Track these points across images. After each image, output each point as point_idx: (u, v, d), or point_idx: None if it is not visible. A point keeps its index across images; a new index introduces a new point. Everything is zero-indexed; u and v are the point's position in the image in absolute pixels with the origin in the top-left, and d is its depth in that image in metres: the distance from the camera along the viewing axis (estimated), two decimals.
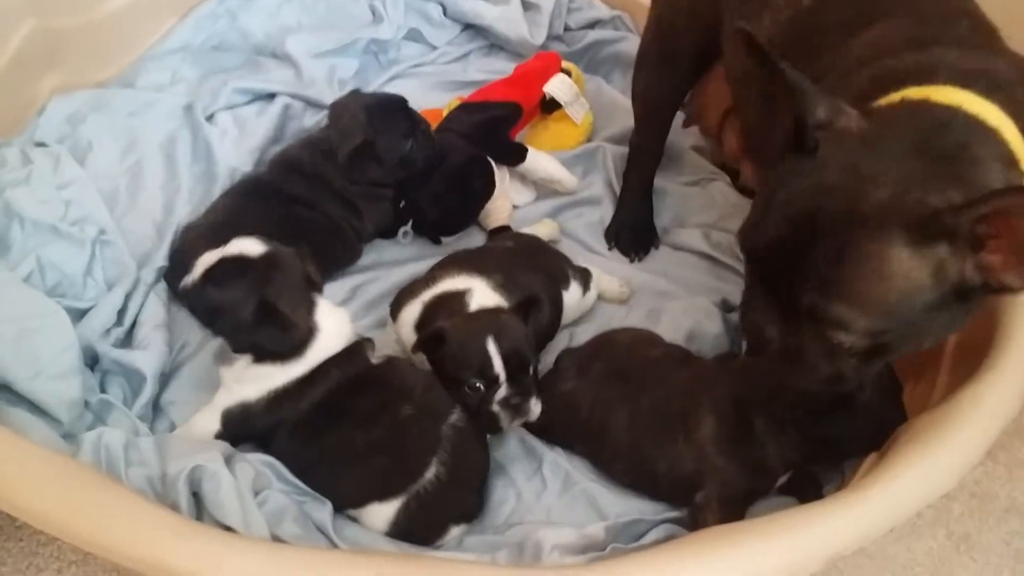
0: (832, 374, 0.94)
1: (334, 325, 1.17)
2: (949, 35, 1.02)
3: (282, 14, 1.81)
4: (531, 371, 1.19)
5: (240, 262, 1.13)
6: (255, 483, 1.10)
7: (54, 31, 1.61)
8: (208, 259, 1.14)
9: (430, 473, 1.12)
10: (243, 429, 1.16)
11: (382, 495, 1.12)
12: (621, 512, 1.17)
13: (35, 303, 1.21)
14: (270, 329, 1.12)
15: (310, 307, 1.16)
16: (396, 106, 1.44)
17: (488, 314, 1.20)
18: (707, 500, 1.11)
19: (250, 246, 1.15)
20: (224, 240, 1.17)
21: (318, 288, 1.19)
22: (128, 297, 1.34)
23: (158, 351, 1.28)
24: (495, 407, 1.16)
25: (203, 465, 1.04)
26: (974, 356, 1.12)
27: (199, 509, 1.05)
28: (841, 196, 0.87)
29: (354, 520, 1.16)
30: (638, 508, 1.18)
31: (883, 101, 0.95)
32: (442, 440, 1.14)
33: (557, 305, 1.34)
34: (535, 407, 1.18)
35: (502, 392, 1.16)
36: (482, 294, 1.24)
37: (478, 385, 1.15)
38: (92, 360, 1.27)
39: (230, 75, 1.72)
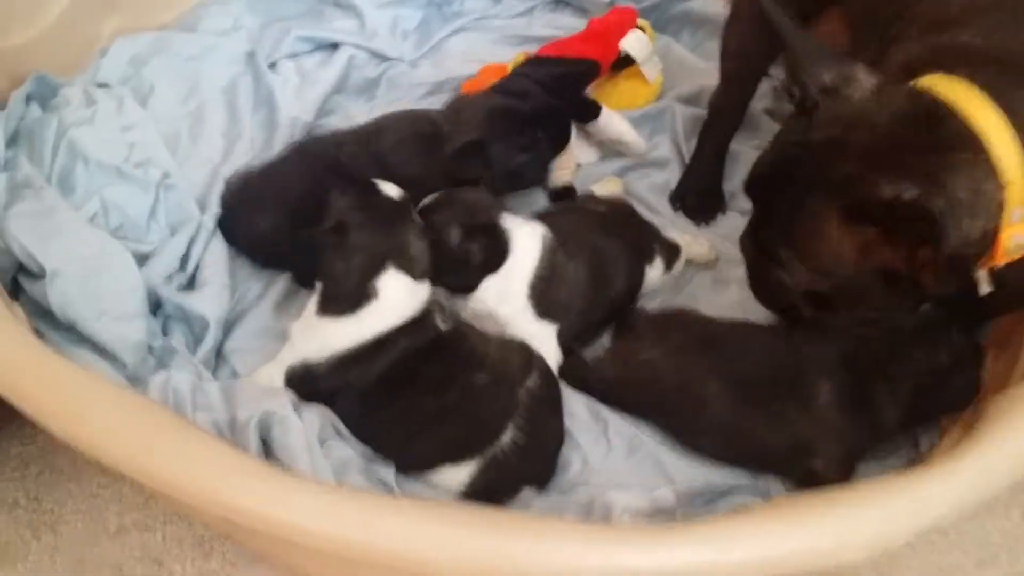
0: (783, 307, 1.11)
1: (399, 292, 1.13)
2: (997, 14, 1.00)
3: None
4: None
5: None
6: (321, 432, 1.08)
7: None
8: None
9: (507, 437, 1.10)
10: (307, 388, 1.13)
11: (456, 458, 1.11)
12: (690, 477, 1.15)
13: (100, 243, 1.20)
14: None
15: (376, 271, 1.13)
16: (522, 118, 1.37)
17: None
18: (827, 467, 1.08)
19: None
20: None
21: None
22: (191, 243, 1.32)
23: (221, 297, 1.27)
24: None
25: (273, 411, 1.03)
26: None
27: (267, 456, 1.03)
28: (814, 158, 0.95)
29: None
30: (704, 475, 1.16)
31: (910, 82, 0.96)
32: (519, 405, 1.12)
33: (635, 279, 1.31)
34: None
35: None
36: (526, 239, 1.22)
37: None
38: (155, 305, 1.26)
39: (292, 23, 1.70)
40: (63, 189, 1.28)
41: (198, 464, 0.84)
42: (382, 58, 1.69)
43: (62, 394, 0.88)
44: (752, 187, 1.04)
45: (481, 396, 1.12)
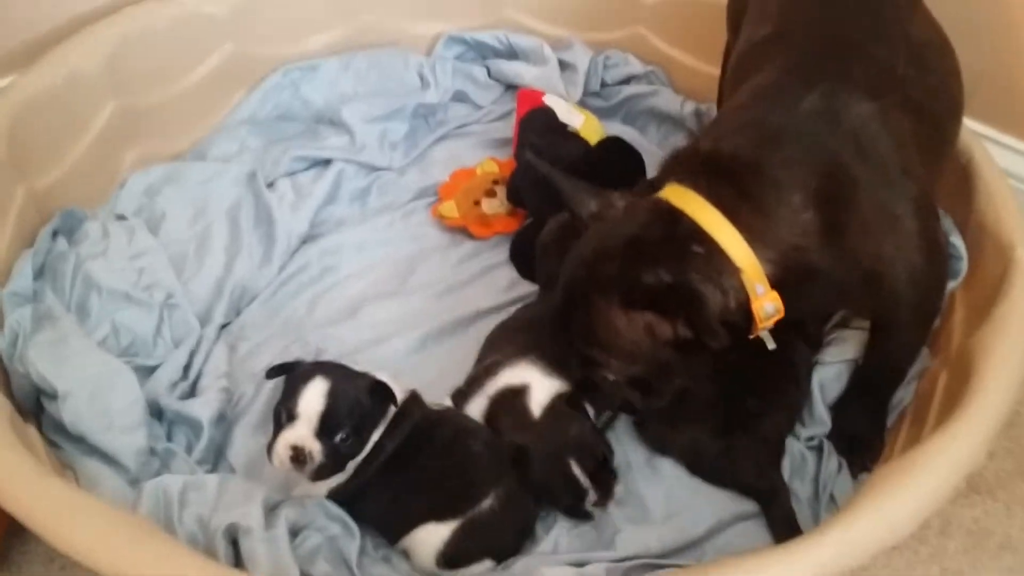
0: (623, 401, 1.32)
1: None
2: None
3: (339, 83, 1.96)
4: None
5: None
6: (299, 521, 1.24)
7: (134, 109, 1.78)
8: None
9: (487, 502, 1.25)
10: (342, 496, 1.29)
11: (442, 515, 1.25)
12: (629, 548, 1.27)
13: (107, 364, 1.39)
14: None
15: None
16: None
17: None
18: None
19: None
20: None
21: None
22: (192, 353, 1.52)
23: (214, 399, 1.44)
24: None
25: (237, 522, 1.19)
26: (954, 406, 1.19)
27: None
28: (587, 267, 1.16)
29: (399, 554, 1.30)
30: (646, 544, 1.28)
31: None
32: (503, 477, 1.27)
33: None
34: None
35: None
36: None
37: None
38: (160, 412, 1.44)
39: (291, 143, 1.88)
40: (80, 315, 1.48)
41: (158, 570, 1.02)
42: (371, 168, 1.86)
43: (55, 510, 1.07)
44: (557, 309, 1.22)
45: (476, 460, 1.28)
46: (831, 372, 1.44)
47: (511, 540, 1.30)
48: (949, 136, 1.35)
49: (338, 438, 1.21)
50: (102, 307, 1.50)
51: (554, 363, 1.37)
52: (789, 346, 1.38)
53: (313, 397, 1.20)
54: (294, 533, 1.24)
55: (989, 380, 1.18)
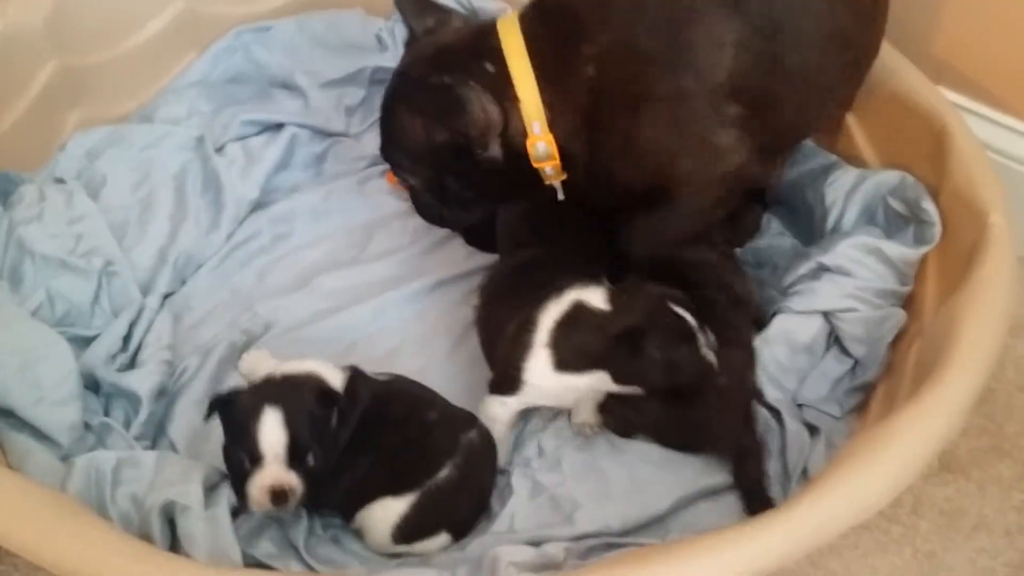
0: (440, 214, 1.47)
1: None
2: None
3: (294, 45, 1.88)
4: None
5: None
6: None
7: (77, 68, 1.70)
8: None
9: (443, 473, 1.20)
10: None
11: (399, 490, 1.20)
12: (588, 524, 1.22)
13: (38, 334, 1.31)
14: None
15: None
16: None
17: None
18: None
19: None
20: None
21: None
22: (133, 324, 1.44)
23: (154, 372, 1.37)
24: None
25: (175, 500, 1.12)
26: (927, 376, 1.14)
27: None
28: (399, 75, 1.33)
29: (352, 533, 1.24)
30: (606, 521, 1.23)
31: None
32: (460, 446, 1.22)
33: None
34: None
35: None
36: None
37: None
38: (97, 385, 1.37)
39: (242, 107, 1.80)
40: (12, 283, 1.41)
41: (84, 553, 0.95)
42: (326, 134, 1.79)
43: None
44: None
45: (432, 431, 1.23)
46: (793, 323, 1.36)
47: (469, 512, 1.25)
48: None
49: (309, 460, 1.14)
50: (36, 274, 1.42)
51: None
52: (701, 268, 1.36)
53: (272, 432, 1.12)
54: (236, 512, 1.18)
55: (964, 350, 1.13)
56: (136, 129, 1.72)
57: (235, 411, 1.15)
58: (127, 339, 1.43)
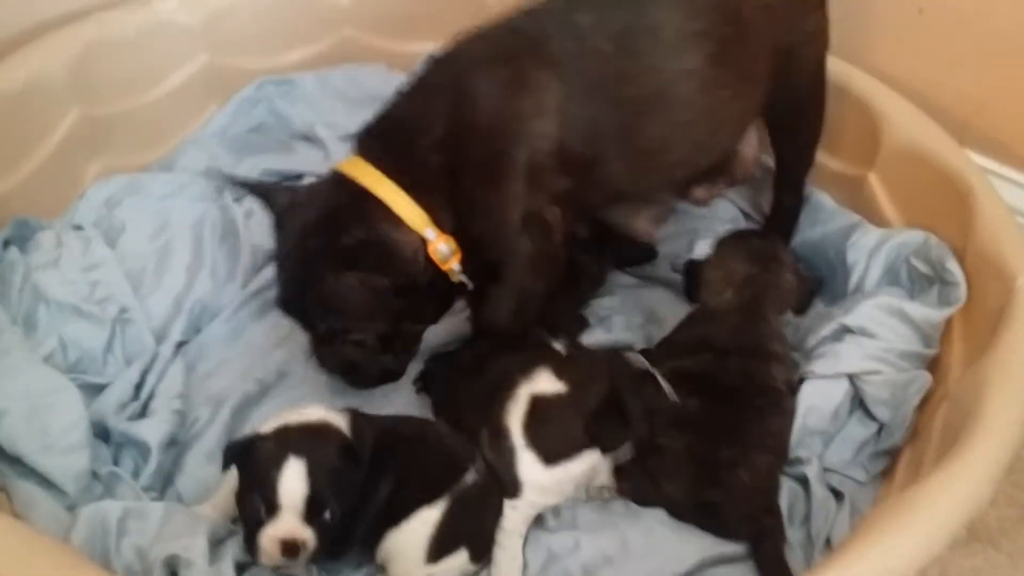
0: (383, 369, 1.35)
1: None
2: None
3: (315, 98, 1.90)
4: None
5: None
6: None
7: (99, 118, 1.71)
8: None
9: (470, 477, 1.20)
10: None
11: (430, 497, 1.18)
12: None
13: (49, 380, 1.30)
14: None
15: None
16: None
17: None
18: None
19: None
20: None
21: None
22: (145, 372, 1.42)
23: (164, 421, 1.35)
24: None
25: (178, 554, 1.10)
26: (955, 442, 1.11)
27: None
28: (299, 250, 1.27)
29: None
30: None
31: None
32: (476, 456, 1.23)
33: None
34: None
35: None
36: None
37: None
38: (107, 434, 1.34)
39: (263, 157, 1.80)
40: (27, 328, 1.39)
41: None
42: None
43: None
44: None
45: (446, 440, 1.27)
46: (819, 389, 1.33)
47: (489, 526, 1.22)
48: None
49: (327, 515, 1.11)
50: (50, 320, 1.41)
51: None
52: (759, 372, 1.31)
53: (293, 482, 1.08)
54: (241, 568, 1.16)
55: (992, 416, 1.11)
56: (156, 178, 1.73)
57: (256, 458, 1.12)
58: (139, 388, 1.41)
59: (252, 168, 1.77)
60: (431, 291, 1.28)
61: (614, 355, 1.27)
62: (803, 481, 1.29)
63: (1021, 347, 1.18)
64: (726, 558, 1.23)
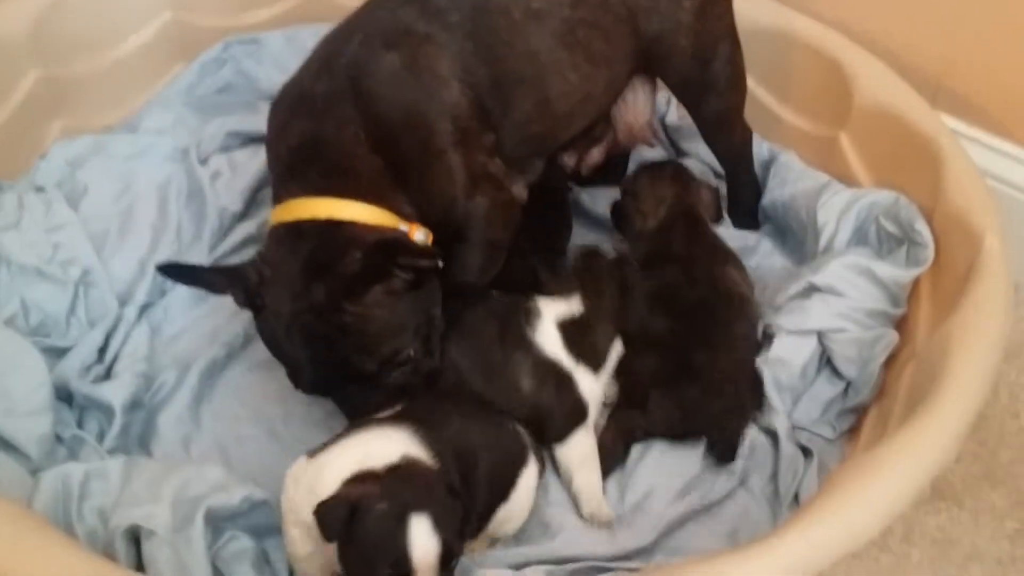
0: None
1: None
2: None
3: (283, 58, 1.86)
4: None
5: None
6: (223, 518, 1.13)
7: (60, 78, 1.68)
8: None
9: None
10: None
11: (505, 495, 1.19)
12: (573, 548, 1.20)
13: (11, 344, 1.28)
14: None
15: None
16: None
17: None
18: None
19: None
20: None
21: None
22: (109, 335, 1.41)
23: (128, 383, 1.33)
24: None
25: (139, 525, 1.07)
26: (920, 400, 1.12)
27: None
28: (307, 312, 1.16)
29: None
30: (593, 548, 1.20)
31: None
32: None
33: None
34: None
35: None
36: None
37: None
38: (71, 397, 1.33)
39: (229, 119, 1.77)
40: None
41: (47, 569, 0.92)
42: None
43: None
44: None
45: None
46: (787, 343, 1.34)
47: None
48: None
49: (454, 565, 1.01)
50: (11, 282, 1.38)
51: None
52: (723, 278, 1.39)
53: (424, 545, 0.96)
54: (219, 531, 1.13)
55: (957, 375, 1.11)
56: (120, 139, 1.69)
57: (368, 527, 0.97)
58: (103, 351, 1.40)
59: (219, 128, 1.73)
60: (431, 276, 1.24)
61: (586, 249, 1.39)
62: (772, 435, 1.29)
63: (987, 307, 1.18)
64: (689, 515, 1.24)
